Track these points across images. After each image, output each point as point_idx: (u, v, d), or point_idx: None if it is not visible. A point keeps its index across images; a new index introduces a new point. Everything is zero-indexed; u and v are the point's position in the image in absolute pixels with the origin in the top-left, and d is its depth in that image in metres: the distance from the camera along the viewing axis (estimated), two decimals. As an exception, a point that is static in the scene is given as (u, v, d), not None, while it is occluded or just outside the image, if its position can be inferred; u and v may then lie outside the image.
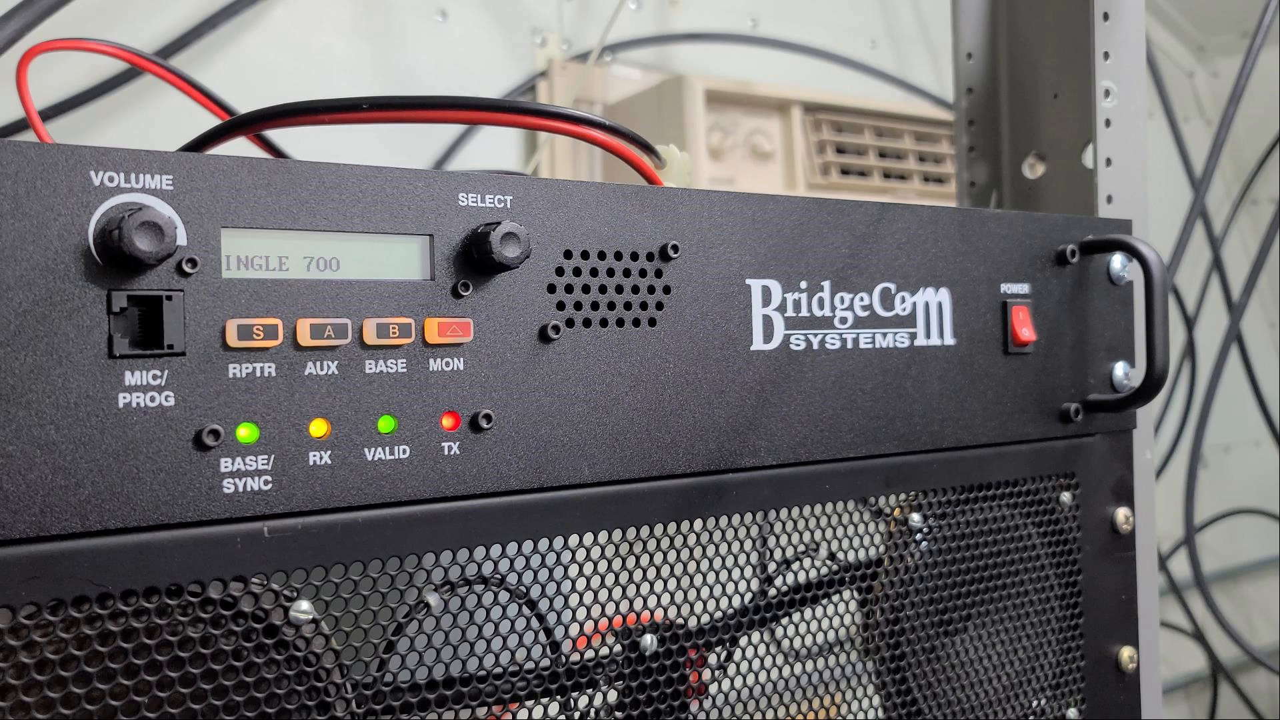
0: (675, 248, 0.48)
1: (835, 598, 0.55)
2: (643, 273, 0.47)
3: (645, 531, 0.48)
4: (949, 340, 0.57)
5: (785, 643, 0.53)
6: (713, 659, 0.51)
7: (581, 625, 0.47)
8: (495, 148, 1.15)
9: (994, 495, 0.59)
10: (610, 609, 0.47)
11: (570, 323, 0.45)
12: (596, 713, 0.48)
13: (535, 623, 0.46)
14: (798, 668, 0.54)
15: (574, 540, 0.46)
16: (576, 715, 0.48)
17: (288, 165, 0.40)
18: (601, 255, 0.46)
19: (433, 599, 0.43)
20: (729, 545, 0.50)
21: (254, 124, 0.46)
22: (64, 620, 0.36)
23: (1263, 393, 1.50)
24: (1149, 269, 0.60)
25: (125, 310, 0.37)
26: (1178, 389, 1.56)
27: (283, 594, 0.39)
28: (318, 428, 0.40)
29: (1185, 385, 1.53)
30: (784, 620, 0.53)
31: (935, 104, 1.45)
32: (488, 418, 0.43)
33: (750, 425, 0.50)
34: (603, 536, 0.46)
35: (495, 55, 1.16)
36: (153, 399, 0.37)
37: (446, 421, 0.43)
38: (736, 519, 0.50)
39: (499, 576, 0.45)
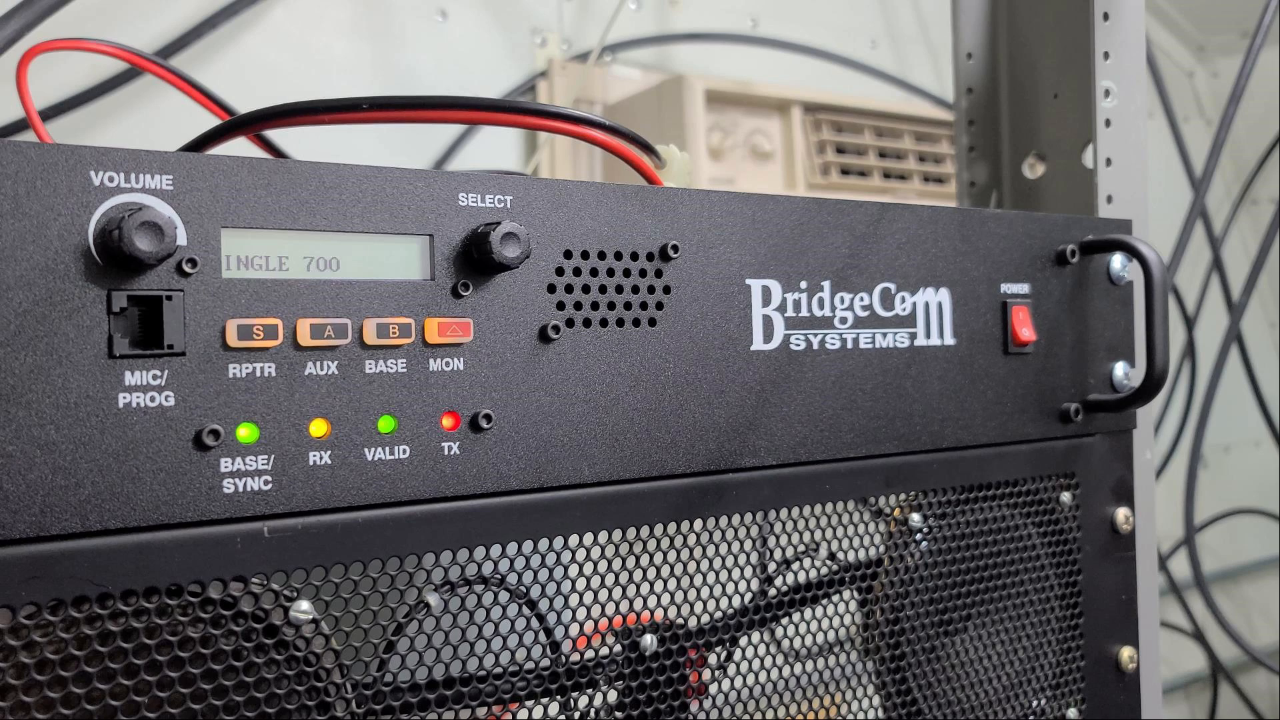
0: (675, 248, 0.48)
1: (835, 598, 0.55)
2: (643, 273, 0.47)
3: (645, 531, 0.48)
4: (949, 340, 0.57)
5: (785, 643, 0.53)
6: (713, 659, 0.51)
7: (581, 625, 0.47)
8: (495, 148, 1.15)
9: (994, 495, 0.59)
10: (610, 609, 0.47)
11: (570, 323, 0.45)
12: (596, 713, 0.48)
13: (535, 623, 0.46)
14: (798, 668, 0.54)
15: (574, 540, 0.46)
16: (576, 715, 0.48)
17: (288, 165, 0.40)
18: (601, 255, 0.46)
19: (433, 599, 0.43)
20: (729, 545, 0.50)
21: (254, 124, 0.46)
22: (64, 620, 0.36)
23: (1263, 393, 1.50)
24: (1149, 269, 0.60)
25: (125, 310, 0.37)
26: (1178, 389, 1.56)
27: (283, 594, 0.39)
28: (318, 428, 0.40)
29: (1185, 385, 1.53)
30: (784, 620, 0.53)
31: (935, 104, 1.45)
32: (488, 418, 0.43)
33: (750, 425, 0.50)
34: (603, 536, 0.46)
35: (495, 55, 1.16)
36: (153, 399, 0.37)
37: (446, 421, 0.42)
38: (736, 519, 0.50)
39: (499, 576, 0.45)
